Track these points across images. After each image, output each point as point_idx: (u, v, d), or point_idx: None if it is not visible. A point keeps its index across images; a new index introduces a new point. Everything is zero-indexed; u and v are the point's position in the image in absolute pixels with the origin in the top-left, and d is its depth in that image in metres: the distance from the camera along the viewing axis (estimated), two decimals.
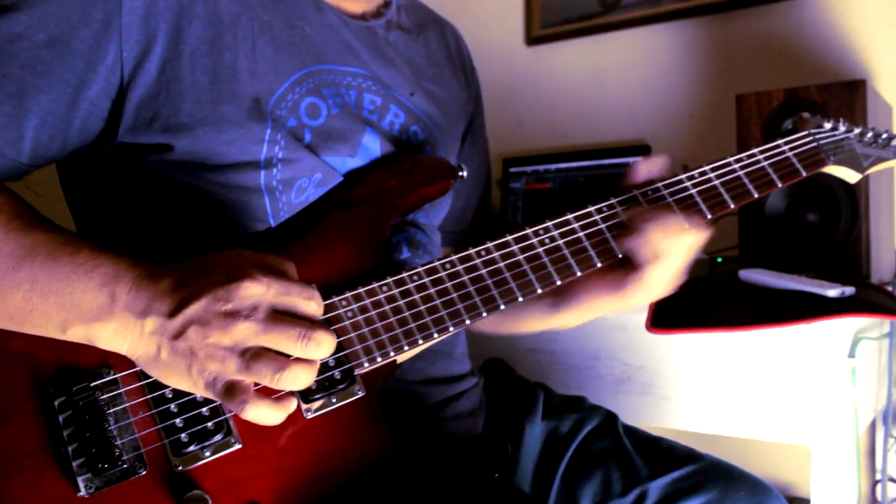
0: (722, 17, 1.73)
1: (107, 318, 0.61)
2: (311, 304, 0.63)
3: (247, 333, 0.59)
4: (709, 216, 0.78)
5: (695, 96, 1.76)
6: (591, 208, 0.78)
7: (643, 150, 1.70)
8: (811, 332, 1.08)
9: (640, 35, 1.82)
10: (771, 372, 1.11)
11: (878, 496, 1.50)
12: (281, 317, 0.61)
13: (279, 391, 0.63)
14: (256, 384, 0.60)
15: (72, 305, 0.61)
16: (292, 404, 0.61)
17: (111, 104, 0.69)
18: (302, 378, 0.60)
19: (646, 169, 0.80)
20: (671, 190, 0.79)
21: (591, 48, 1.89)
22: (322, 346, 0.61)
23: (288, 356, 0.60)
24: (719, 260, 1.41)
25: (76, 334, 0.62)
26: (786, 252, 1.28)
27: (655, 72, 1.80)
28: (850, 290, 1.07)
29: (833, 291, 1.06)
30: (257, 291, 0.60)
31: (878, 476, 1.50)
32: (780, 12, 1.66)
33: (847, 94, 1.24)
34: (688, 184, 0.79)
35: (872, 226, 1.25)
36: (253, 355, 0.59)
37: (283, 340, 0.60)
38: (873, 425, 1.49)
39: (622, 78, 1.85)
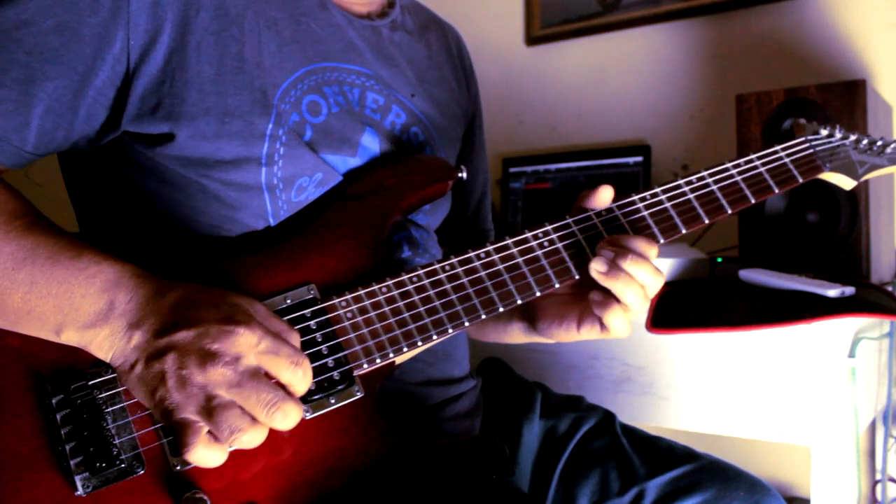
0: (722, 17, 1.73)
1: (101, 324, 0.61)
2: (298, 373, 0.61)
3: (220, 380, 0.58)
4: (706, 221, 0.78)
5: (695, 96, 1.76)
6: (591, 213, 0.78)
7: (643, 150, 1.70)
8: (811, 332, 1.07)
9: (640, 35, 1.82)
10: (771, 372, 1.11)
11: (878, 496, 1.50)
12: (259, 377, 0.60)
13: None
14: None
15: (69, 309, 0.61)
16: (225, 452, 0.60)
17: (116, 92, 0.69)
18: (256, 442, 0.59)
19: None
20: (669, 195, 0.79)
21: (591, 48, 1.89)
22: (288, 419, 0.59)
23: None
24: (719, 260, 1.40)
25: (70, 338, 0.62)
26: (786, 252, 1.28)
27: (655, 72, 1.80)
28: (850, 290, 1.07)
29: (833, 291, 1.06)
30: (247, 342, 0.60)
31: (878, 476, 1.50)
32: (780, 12, 1.66)
33: (847, 94, 1.23)
34: (685, 189, 0.79)
35: (872, 226, 1.24)
36: (219, 405, 0.58)
37: (251, 402, 0.58)
38: (873, 425, 1.49)
39: (622, 78, 1.85)
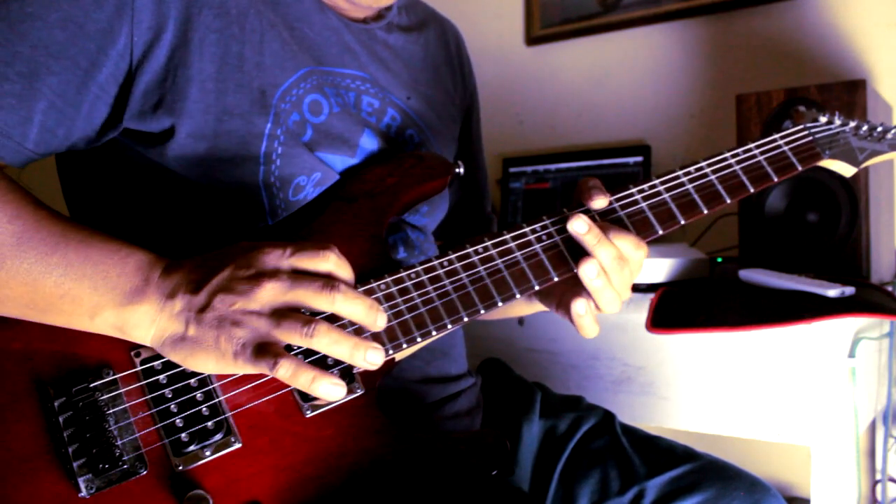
0: (722, 17, 1.73)
1: (139, 300, 0.62)
2: (330, 257, 0.63)
3: (272, 294, 0.60)
4: (705, 211, 0.78)
5: (695, 96, 1.76)
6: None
7: (643, 150, 1.70)
8: (811, 332, 1.08)
9: (640, 35, 1.82)
10: (771, 372, 1.11)
11: (878, 496, 1.50)
12: (302, 275, 0.62)
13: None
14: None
15: (106, 289, 0.61)
16: (332, 381, 0.59)
17: (118, 89, 0.70)
18: (332, 336, 0.59)
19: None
20: (667, 185, 0.79)
21: (591, 48, 1.89)
22: (349, 298, 0.61)
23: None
24: (719, 260, 1.41)
25: (105, 321, 0.62)
26: (786, 252, 1.28)
27: (655, 72, 1.80)
28: (850, 290, 1.07)
29: (833, 291, 1.06)
30: (276, 255, 0.62)
31: (878, 476, 1.50)
32: (780, 12, 1.66)
33: (847, 94, 1.24)
34: (684, 179, 0.79)
35: (872, 226, 1.25)
36: (282, 314, 0.59)
37: (309, 293, 0.60)
38: (873, 425, 1.49)
39: (622, 78, 1.85)
